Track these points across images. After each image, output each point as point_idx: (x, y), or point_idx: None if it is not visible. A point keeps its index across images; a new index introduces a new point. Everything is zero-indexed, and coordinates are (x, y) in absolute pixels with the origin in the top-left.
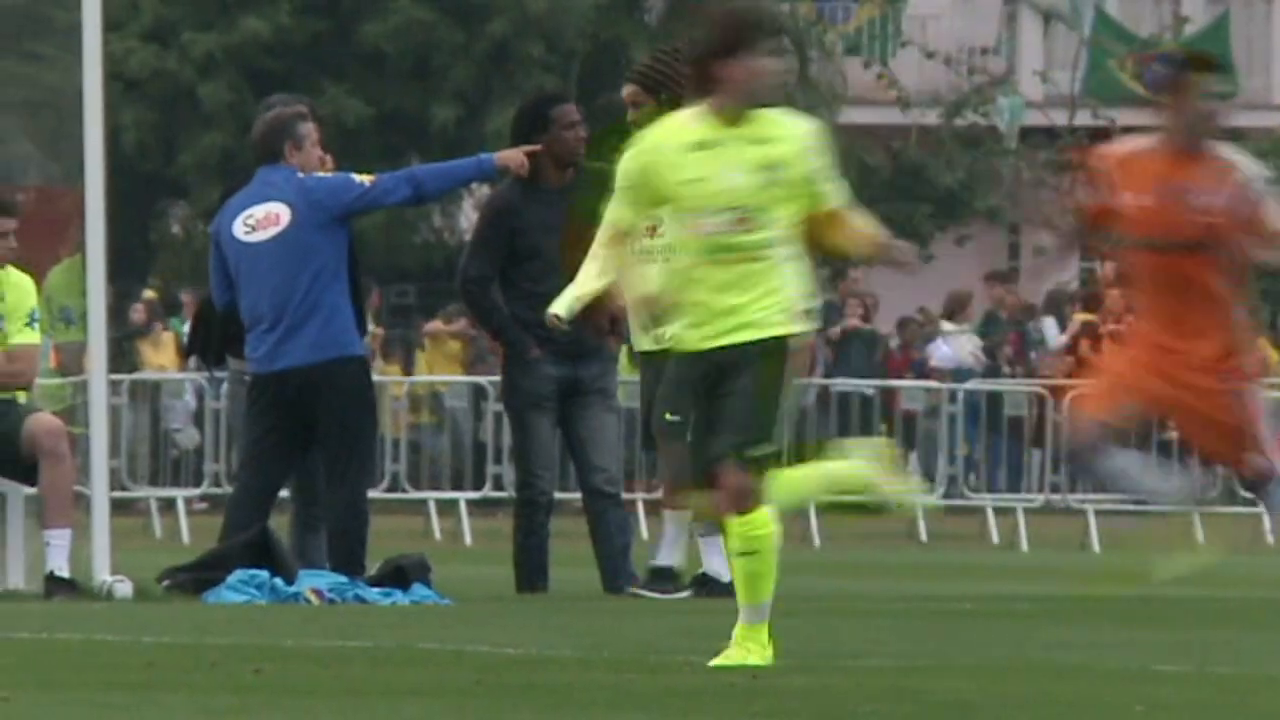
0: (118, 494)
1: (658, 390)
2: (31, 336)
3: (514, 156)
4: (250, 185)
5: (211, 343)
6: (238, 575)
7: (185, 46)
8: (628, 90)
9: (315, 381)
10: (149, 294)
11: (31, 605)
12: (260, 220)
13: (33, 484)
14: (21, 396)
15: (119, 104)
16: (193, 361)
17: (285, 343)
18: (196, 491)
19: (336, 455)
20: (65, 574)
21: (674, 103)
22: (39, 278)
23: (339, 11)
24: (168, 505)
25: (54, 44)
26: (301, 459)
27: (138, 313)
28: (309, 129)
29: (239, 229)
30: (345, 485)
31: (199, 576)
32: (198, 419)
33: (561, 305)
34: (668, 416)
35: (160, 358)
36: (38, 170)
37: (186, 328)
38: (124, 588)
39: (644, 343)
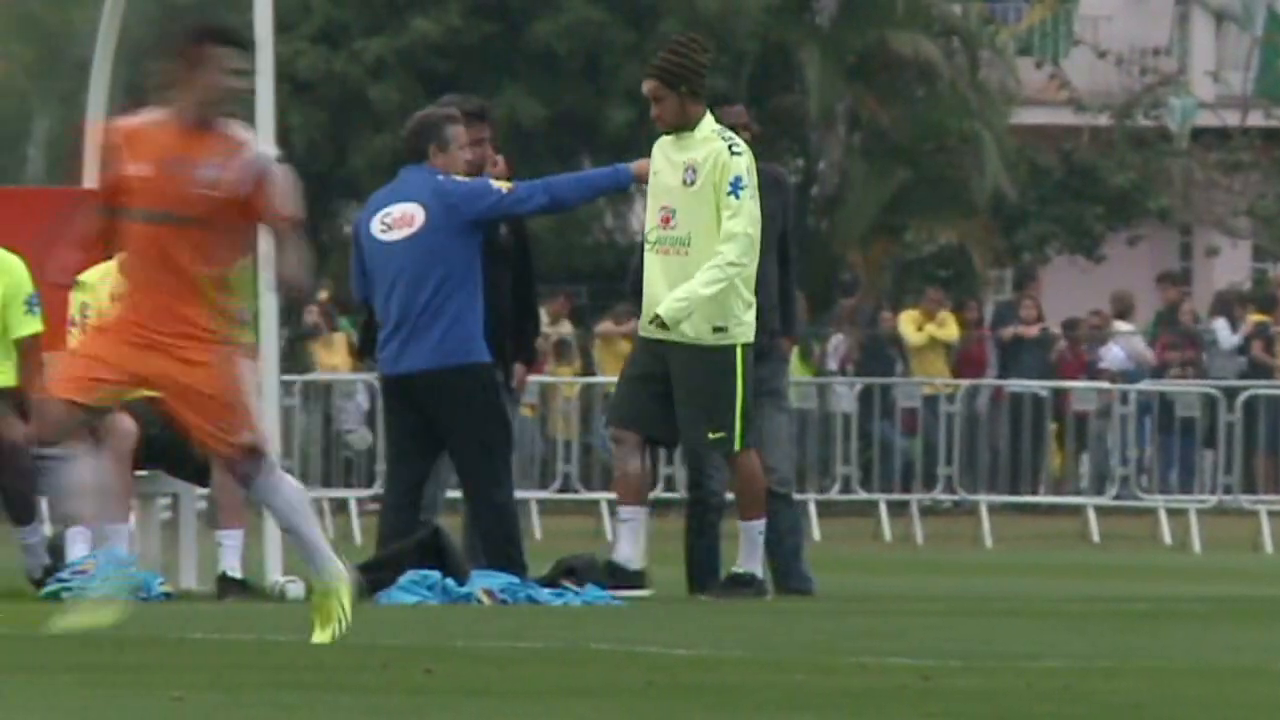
0: None
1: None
2: None
3: (649, 166)
4: (392, 183)
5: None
6: (409, 576)
7: (356, 50)
8: (648, 85)
9: (437, 386)
10: (322, 295)
11: (204, 606)
12: (396, 220)
13: (205, 485)
14: None
15: (288, 105)
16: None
17: (409, 345)
18: (368, 492)
19: (467, 462)
20: (238, 574)
21: (693, 95)
22: None
23: (509, 12)
24: (340, 506)
25: None
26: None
27: (311, 314)
28: (457, 132)
29: (376, 226)
30: (483, 492)
31: (371, 577)
32: (369, 420)
33: (664, 308)
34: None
35: (332, 359)
36: None
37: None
38: (296, 588)
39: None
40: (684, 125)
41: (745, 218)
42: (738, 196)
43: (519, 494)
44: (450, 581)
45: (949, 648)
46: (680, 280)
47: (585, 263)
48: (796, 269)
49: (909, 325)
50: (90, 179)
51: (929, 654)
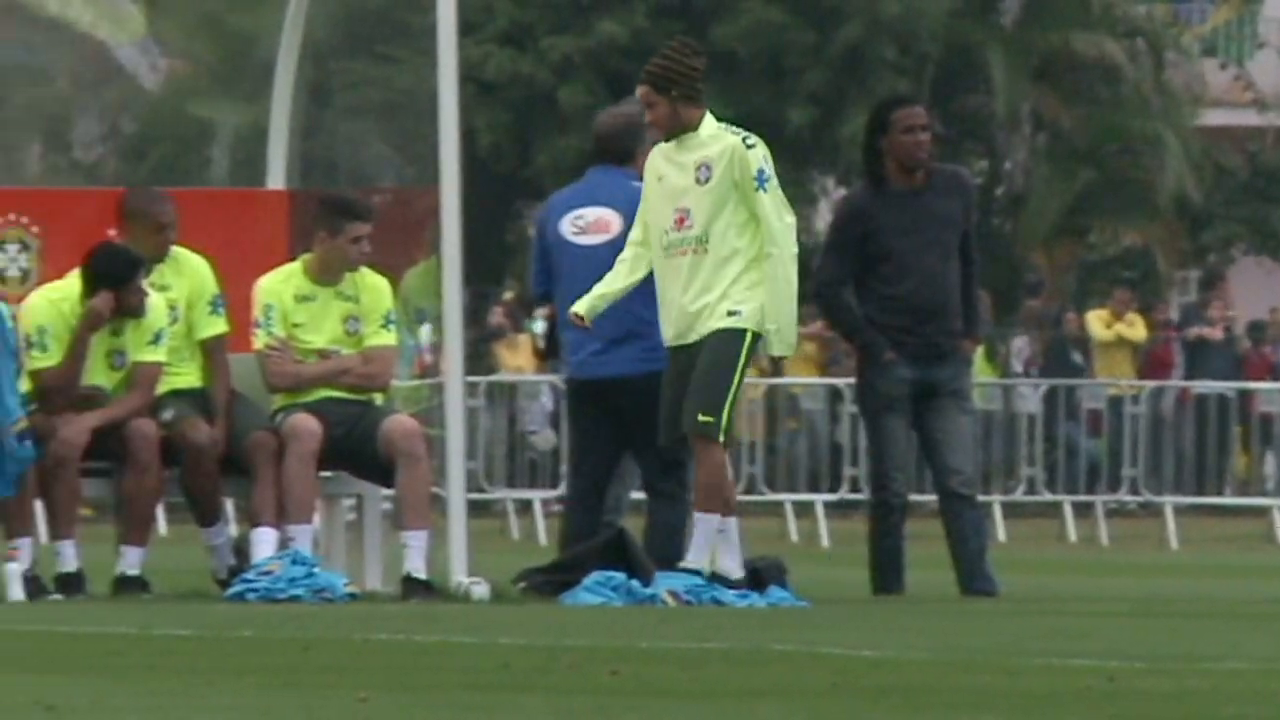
0: (474, 496)
1: None
2: (388, 339)
3: None
4: (580, 184)
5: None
6: (594, 577)
7: (542, 51)
8: (640, 91)
9: (637, 391)
10: (507, 296)
11: (389, 607)
12: (590, 224)
13: (390, 486)
14: (378, 398)
15: (473, 106)
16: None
17: (608, 351)
18: (553, 493)
19: (655, 466)
20: (422, 576)
21: (687, 99)
22: (395, 280)
23: (691, 13)
24: (524, 507)
25: (409, 47)
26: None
27: (495, 315)
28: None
29: (567, 227)
30: (668, 493)
31: (555, 578)
32: (554, 421)
33: (583, 304)
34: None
35: (517, 359)
36: (393, 172)
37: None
38: (481, 589)
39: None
40: (681, 129)
41: (778, 208)
42: (765, 189)
43: None
44: (635, 583)
45: (1134, 649)
46: (702, 279)
47: None
48: (979, 270)
49: (1097, 323)
50: (275, 179)
51: (1114, 655)
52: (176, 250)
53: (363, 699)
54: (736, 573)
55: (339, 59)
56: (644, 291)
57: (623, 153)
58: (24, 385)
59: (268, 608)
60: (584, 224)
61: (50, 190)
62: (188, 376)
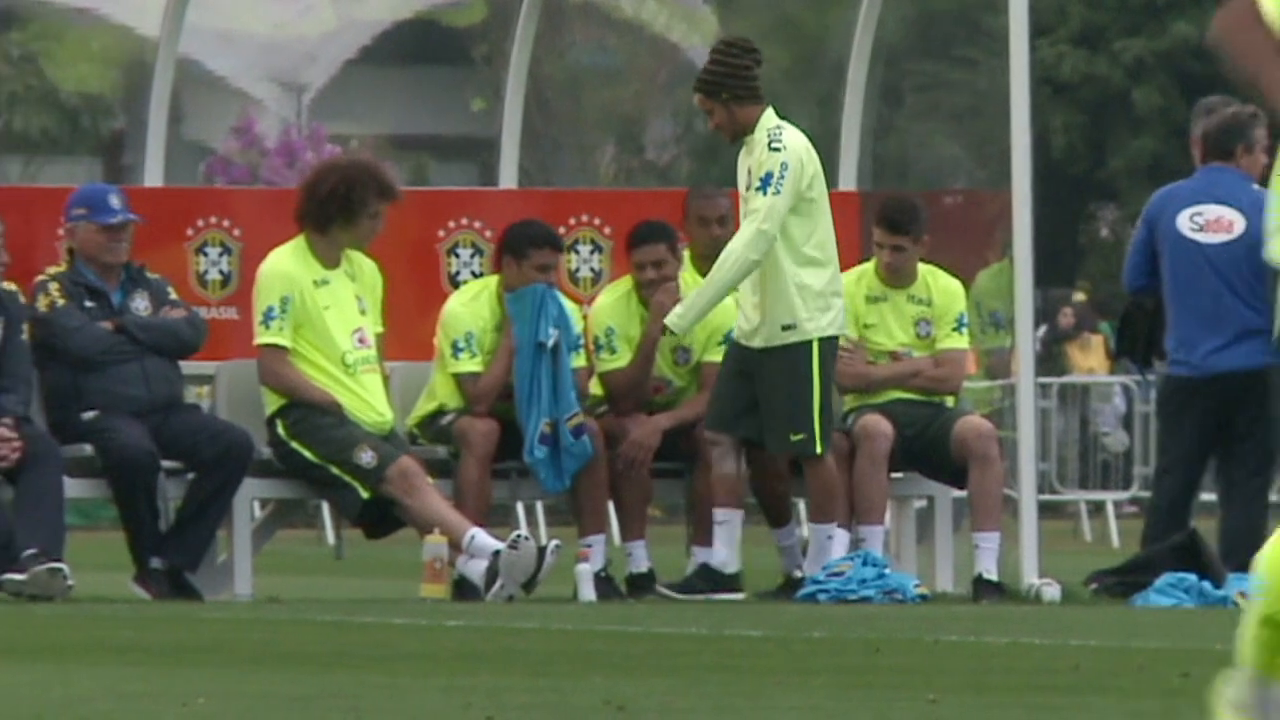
0: (1046, 497)
1: None
2: (959, 341)
3: None
4: (1195, 181)
5: (1139, 344)
6: (1166, 579)
7: (1116, 52)
8: (696, 99)
9: (1247, 386)
10: (1078, 296)
11: (959, 608)
12: (1209, 221)
13: (961, 487)
14: (950, 400)
15: (1048, 108)
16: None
17: (1227, 348)
18: (1125, 495)
19: (1248, 463)
20: (994, 577)
21: (740, 99)
22: (968, 282)
23: None
24: (1096, 508)
25: (984, 49)
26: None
27: (1065, 316)
28: (1261, 134)
29: (1185, 224)
30: (1248, 494)
31: (1127, 580)
32: (1126, 422)
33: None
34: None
35: (1089, 360)
36: (965, 174)
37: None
38: (1052, 591)
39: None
40: (741, 131)
41: (768, 214)
42: (765, 192)
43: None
44: (1207, 584)
45: None
46: (755, 281)
47: None
48: None
49: None
50: (847, 181)
51: None
52: None
53: (932, 700)
54: (797, 573)
55: (911, 61)
56: (1247, 288)
57: (1225, 151)
58: (594, 387)
59: (838, 609)
60: (1203, 221)
61: (621, 191)
62: None
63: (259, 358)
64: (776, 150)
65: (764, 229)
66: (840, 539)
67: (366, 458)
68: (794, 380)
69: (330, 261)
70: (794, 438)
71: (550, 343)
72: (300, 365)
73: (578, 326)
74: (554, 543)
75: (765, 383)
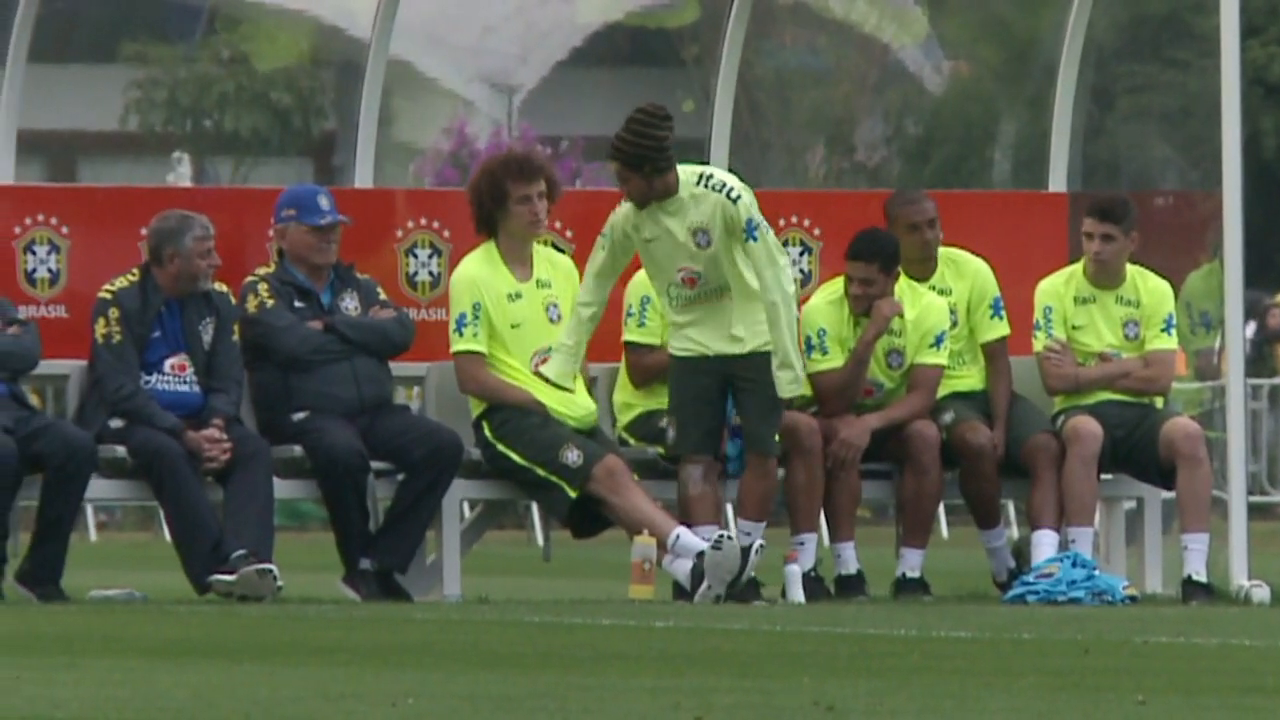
0: (1256, 498)
1: None
2: (1168, 342)
3: None
4: None
5: None
6: None
7: None
8: (613, 166)
9: None
10: None
11: (1168, 609)
12: None
13: (1170, 488)
14: (1159, 402)
15: (1258, 109)
16: None
17: None
18: None
19: None
20: (1203, 578)
21: (660, 171)
22: (1176, 283)
23: None
24: None
25: (1194, 50)
26: None
27: (1275, 318)
28: None
29: None
30: None
31: None
32: None
33: (553, 368)
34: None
35: None
36: (1176, 175)
37: None
38: (1261, 592)
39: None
40: (659, 196)
41: (770, 254)
42: (756, 239)
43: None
44: None
45: None
46: (733, 319)
47: None
48: None
49: None
50: (1057, 182)
51: None
52: (956, 253)
53: (1141, 701)
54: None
55: (1123, 62)
56: None
57: None
58: (804, 387)
59: (1047, 610)
60: None
61: (831, 193)
62: (969, 379)
63: (455, 365)
64: (739, 198)
65: (782, 263)
66: (1049, 540)
67: (572, 457)
68: (770, 385)
69: (521, 270)
70: (778, 438)
71: None
72: (498, 368)
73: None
74: (758, 542)
75: (754, 386)
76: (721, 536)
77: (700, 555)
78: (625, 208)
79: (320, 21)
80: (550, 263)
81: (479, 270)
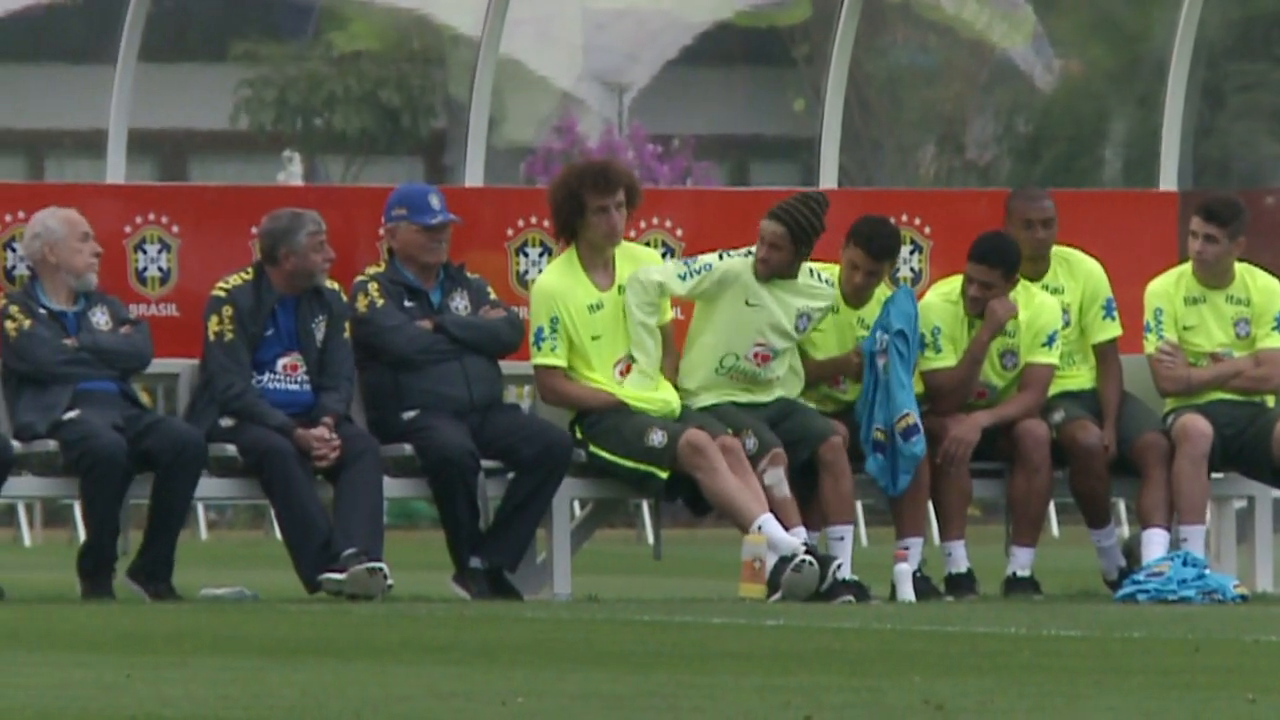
0: None
1: None
2: (1278, 340)
3: None
4: None
5: None
6: None
7: None
8: (774, 229)
9: None
10: None
11: (1278, 609)
12: None
13: None
14: (1270, 400)
15: None
16: None
17: None
18: None
19: None
20: None
21: (806, 256)
22: None
23: None
24: None
25: None
26: None
27: None
28: None
29: None
30: None
31: None
32: None
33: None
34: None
35: None
36: None
37: None
38: None
39: None
40: (785, 274)
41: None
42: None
43: None
44: None
45: None
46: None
47: None
48: None
49: None
50: (1167, 181)
51: None
52: (1069, 253)
53: (1251, 700)
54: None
55: (1233, 60)
56: None
57: None
58: (915, 384)
59: (1157, 609)
60: None
61: (942, 191)
62: (1079, 378)
63: (535, 378)
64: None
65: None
66: (1159, 539)
67: (657, 438)
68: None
69: (603, 278)
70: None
71: (878, 348)
72: (579, 381)
73: (908, 323)
74: (837, 561)
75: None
76: (803, 562)
77: (778, 568)
78: (745, 263)
79: (431, 20)
80: (633, 260)
81: (558, 282)
